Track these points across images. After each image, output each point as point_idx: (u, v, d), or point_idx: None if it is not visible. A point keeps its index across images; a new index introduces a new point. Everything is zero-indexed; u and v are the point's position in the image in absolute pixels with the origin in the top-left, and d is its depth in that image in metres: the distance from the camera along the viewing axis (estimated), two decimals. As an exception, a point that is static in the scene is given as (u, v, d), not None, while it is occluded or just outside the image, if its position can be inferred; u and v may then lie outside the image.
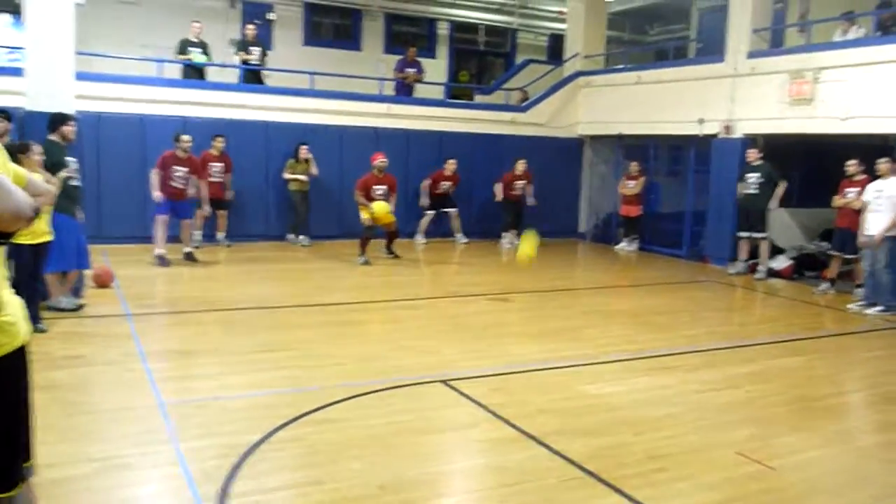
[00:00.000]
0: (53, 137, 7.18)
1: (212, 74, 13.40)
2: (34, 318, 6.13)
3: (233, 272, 10.46)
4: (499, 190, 13.66)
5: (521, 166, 13.58)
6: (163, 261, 10.13)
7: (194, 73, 12.98)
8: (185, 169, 10.48)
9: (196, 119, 12.13)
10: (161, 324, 7.19)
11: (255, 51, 13.34)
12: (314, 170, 12.52)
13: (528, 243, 8.25)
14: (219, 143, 11.78)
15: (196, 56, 12.87)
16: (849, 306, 9.28)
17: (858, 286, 9.66)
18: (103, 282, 8.32)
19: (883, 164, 9.07)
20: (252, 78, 13.36)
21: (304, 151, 12.46)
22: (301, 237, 12.62)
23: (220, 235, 12.13)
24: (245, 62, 13.18)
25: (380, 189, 11.52)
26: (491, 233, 13.99)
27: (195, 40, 12.95)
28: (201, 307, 7.91)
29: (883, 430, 5.24)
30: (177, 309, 7.80)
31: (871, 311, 9.00)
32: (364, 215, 11.32)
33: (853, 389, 6.37)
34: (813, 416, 5.39)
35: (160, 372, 5.61)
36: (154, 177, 10.30)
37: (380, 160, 11.54)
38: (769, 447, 4.66)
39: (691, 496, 3.93)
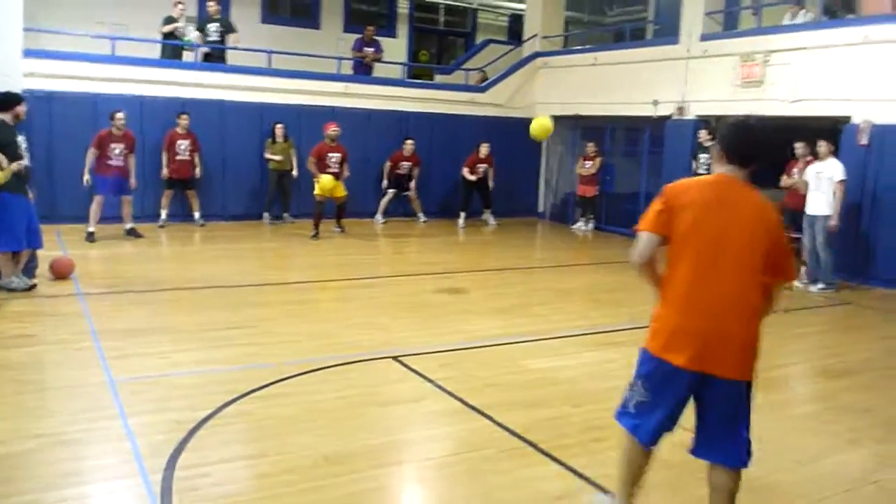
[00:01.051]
0: (4, 117, 7.09)
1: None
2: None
3: (189, 251, 10.46)
4: (467, 173, 13.76)
5: (484, 149, 13.69)
6: (90, 237, 10.29)
7: (171, 53, 12.90)
8: (122, 145, 10.48)
9: (152, 98, 12.02)
10: (114, 303, 7.19)
11: (213, 28, 13.18)
12: (293, 159, 12.66)
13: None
14: (184, 121, 11.75)
15: (187, 36, 12.83)
16: (794, 283, 9.56)
17: (803, 264, 9.97)
18: (61, 273, 8.01)
19: (822, 146, 9.37)
20: (212, 56, 13.22)
21: (279, 130, 12.50)
22: (265, 216, 12.64)
23: (196, 215, 12.09)
24: (204, 41, 13.05)
25: (333, 157, 11.92)
26: (450, 212, 14.10)
27: (176, 18, 12.86)
28: (155, 286, 7.92)
29: (811, 400, 5.49)
30: (130, 288, 7.79)
31: (813, 288, 9.32)
32: (316, 189, 11.60)
33: (788, 363, 6.60)
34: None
35: (111, 350, 5.63)
36: (90, 157, 10.33)
37: (332, 128, 11.93)
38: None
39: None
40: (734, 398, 3.14)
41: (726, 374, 3.06)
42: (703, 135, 11.48)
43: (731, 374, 3.07)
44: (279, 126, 12.53)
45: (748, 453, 3.22)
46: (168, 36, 12.74)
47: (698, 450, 3.24)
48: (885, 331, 7.66)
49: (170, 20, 12.82)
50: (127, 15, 14.46)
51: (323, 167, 11.85)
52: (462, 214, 13.81)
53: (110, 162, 10.35)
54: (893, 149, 9.48)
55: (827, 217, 9.18)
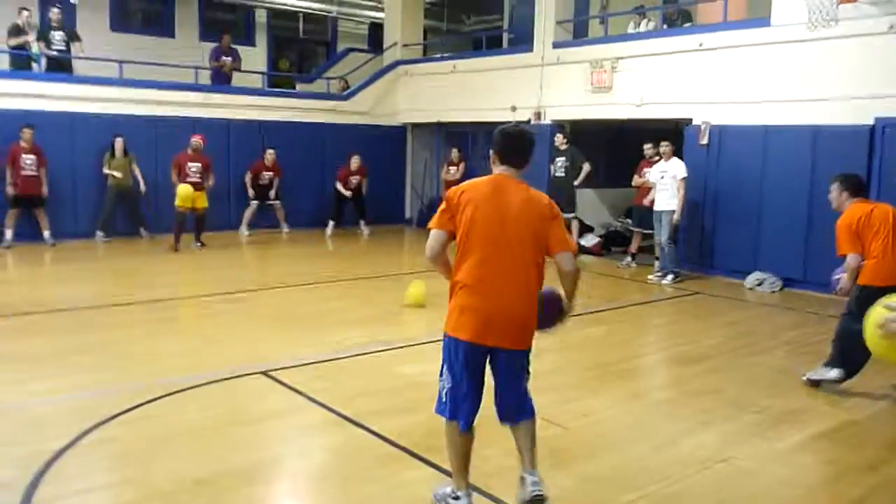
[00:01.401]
0: None
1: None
2: None
3: (39, 273, 9.87)
4: (341, 188, 13.66)
5: (355, 163, 13.65)
6: None
7: (19, 63, 12.16)
8: None
9: (-10, 111, 11.25)
10: (-46, 333, 6.69)
11: (59, 36, 12.49)
12: (136, 173, 12.12)
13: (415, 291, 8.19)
14: (27, 134, 11.08)
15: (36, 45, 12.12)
16: (648, 277, 10.13)
17: (657, 258, 10.59)
18: None
19: (664, 146, 10.01)
20: (58, 66, 12.51)
21: (119, 143, 11.93)
22: (99, 234, 12.02)
23: (46, 234, 11.43)
24: (49, 46, 12.34)
25: (194, 166, 11.83)
26: (317, 222, 13.98)
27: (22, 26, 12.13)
28: (3, 311, 7.41)
29: (668, 387, 5.85)
30: (-27, 316, 7.26)
31: (665, 280, 9.92)
32: (176, 199, 11.49)
33: (646, 353, 7.01)
34: (609, 379, 5.91)
35: (-47, 383, 5.25)
36: None
37: (195, 139, 11.88)
38: (569, 411, 5.08)
39: (495, 460, 4.22)
40: (517, 365, 3.55)
41: (510, 346, 3.45)
42: (558, 139, 11.94)
43: (515, 345, 3.47)
44: (119, 140, 11.97)
45: (531, 407, 3.65)
46: (15, 47, 11.98)
47: (502, 419, 3.63)
48: (731, 316, 8.24)
49: (17, 31, 12.05)
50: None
51: (183, 177, 11.71)
52: (330, 223, 13.73)
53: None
54: (730, 147, 10.23)
55: (671, 212, 9.82)
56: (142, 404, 4.92)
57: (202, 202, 11.82)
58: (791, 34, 9.38)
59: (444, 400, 3.54)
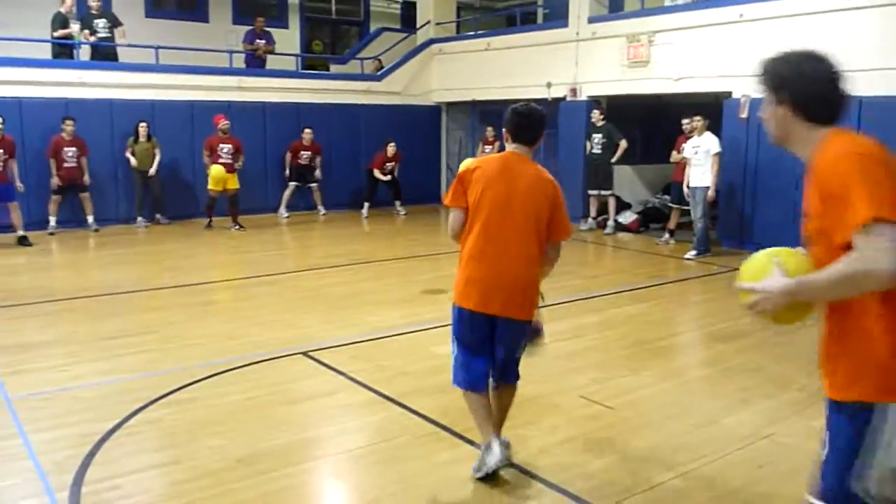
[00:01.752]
0: None
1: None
2: None
3: (82, 258, 10.07)
4: (379, 174, 13.70)
5: (391, 149, 13.66)
6: None
7: (68, 52, 12.33)
8: None
9: (32, 100, 11.45)
10: (4, 317, 6.85)
11: (101, 23, 12.64)
12: (156, 159, 12.15)
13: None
14: (69, 126, 11.26)
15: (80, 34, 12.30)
16: (684, 256, 10.01)
17: (695, 236, 10.47)
18: None
19: (697, 121, 9.85)
20: (99, 54, 12.66)
21: (143, 129, 12.01)
22: (139, 219, 12.19)
23: (90, 219, 11.65)
24: (94, 33, 12.50)
25: (225, 147, 12.06)
26: (353, 203, 14.06)
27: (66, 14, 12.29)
28: (46, 297, 7.59)
29: (707, 364, 5.79)
30: (20, 301, 7.44)
31: (687, 255, 9.86)
32: (209, 182, 11.85)
33: (685, 330, 6.95)
34: (648, 357, 5.87)
35: (5, 367, 5.40)
36: None
37: (222, 122, 12.07)
38: (608, 389, 5.07)
39: (535, 440, 4.24)
40: (517, 334, 3.69)
41: (512, 315, 3.60)
42: (595, 115, 11.81)
43: (517, 314, 3.61)
44: (143, 125, 12.03)
45: (515, 375, 3.85)
46: (60, 37, 12.17)
47: (494, 380, 3.79)
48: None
49: (62, 20, 12.20)
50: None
51: (215, 158, 11.96)
52: (366, 205, 13.78)
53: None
54: (771, 121, 10.01)
55: (706, 189, 9.69)
56: (185, 386, 5.02)
57: (234, 183, 12.03)
58: (834, 3, 9.13)
59: (458, 370, 3.74)
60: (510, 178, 3.58)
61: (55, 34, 12.20)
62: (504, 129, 3.74)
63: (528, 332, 3.75)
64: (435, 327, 6.47)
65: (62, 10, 12.31)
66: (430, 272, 9.21)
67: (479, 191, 3.56)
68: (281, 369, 5.46)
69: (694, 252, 9.92)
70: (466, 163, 3.85)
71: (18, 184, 10.38)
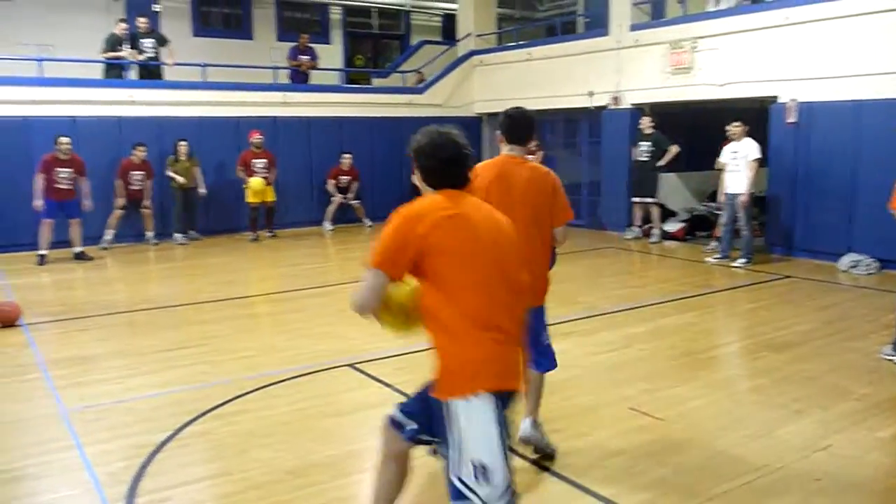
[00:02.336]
0: None
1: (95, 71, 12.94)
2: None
3: (132, 273, 10.26)
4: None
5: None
6: (42, 260, 10.39)
7: (117, 72, 12.70)
8: (69, 170, 10.56)
9: (85, 119, 11.77)
10: (59, 331, 7.03)
11: (148, 43, 12.95)
12: (199, 176, 12.31)
13: None
14: (140, 153, 11.66)
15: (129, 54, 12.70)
16: (733, 264, 9.84)
17: (716, 239, 10.37)
18: (8, 319, 7.21)
19: (736, 127, 9.71)
20: (147, 73, 12.98)
21: (183, 147, 12.16)
22: (178, 235, 12.30)
23: (149, 234, 12.01)
24: (141, 52, 12.80)
25: (259, 162, 12.56)
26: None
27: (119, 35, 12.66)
28: (101, 311, 7.77)
29: (758, 375, 5.65)
30: (75, 314, 7.62)
31: (735, 263, 9.71)
32: (247, 195, 12.42)
33: (735, 340, 6.82)
34: (698, 367, 5.78)
35: (61, 379, 5.53)
36: (38, 182, 10.38)
37: (255, 136, 12.52)
38: (658, 400, 4.99)
39: (586, 452, 4.19)
40: (533, 318, 3.79)
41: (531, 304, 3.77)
42: (644, 122, 11.70)
43: (533, 303, 3.83)
44: (182, 143, 12.17)
45: (553, 360, 4.16)
46: (111, 57, 12.52)
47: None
48: (824, 300, 7.93)
49: (114, 40, 12.54)
50: (50, 35, 14.12)
51: (250, 172, 12.47)
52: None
53: (58, 186, 10.47)
54: (819, 126, 9.83)
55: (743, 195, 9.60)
56: (235, 398, 5.08)
57: (271, 195, 12.66)
58: (882, 3, 8.93)
59: None
60: (509, 177, 3.87)
61: (108, 54, 12.51)
62: (499, 133, 4.04)
63: None
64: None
65: (116, 31, 12.63)
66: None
67: (483, 190, 3.63)
68: (328, 381, 5.49)
69: (743, 259, 9.76)
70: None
71: (87, 202, 10.75)
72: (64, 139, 10.52)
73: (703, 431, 4.50)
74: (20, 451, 4.31)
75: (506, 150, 3.99)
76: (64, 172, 10.48)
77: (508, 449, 2.61)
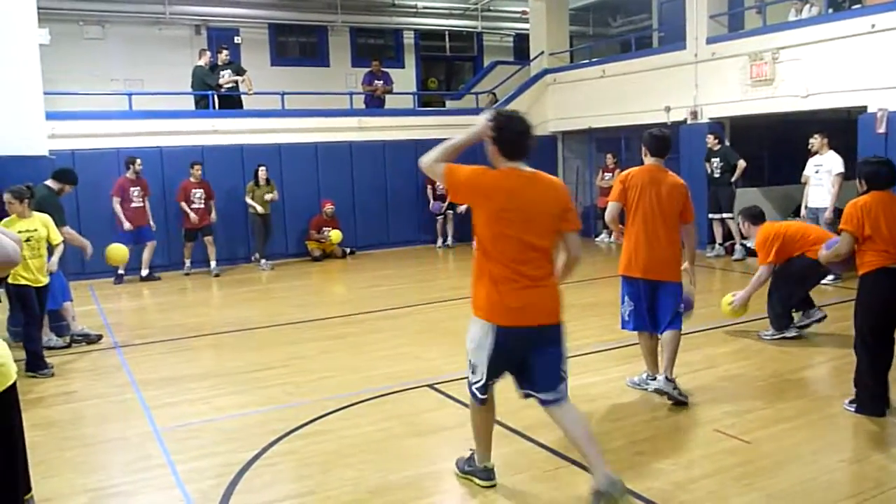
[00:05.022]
0: (54, 186, 7.58)
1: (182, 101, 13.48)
2: (40, 361, 6.35)
3: (215, 296, 10.59)
4: None
5: None
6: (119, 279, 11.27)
7: (203, 101, 13.26)
8: (138, 188, 11.30)
9: (172, 148, 12.25)
10: (150, 353, 7.30)
11: (227, 74, 13.44)
12: (274, 195, 12.45)
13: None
14: (196, 171, 11.84)
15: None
16: (822, 281, 9.47)
17: None
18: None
19: (816, 139, 9.39)
20: (226, 102, 13.45)
21: (262, 173, 12.34)
22: (263, 261, 12.41)
23: (213, 264, 11.97)
24: (220, 86, 13.30)
25: (326, 229, 13.10)
26: (469, 236, 14.17)
27: (205, 65, 13.27)
28: (189, 333, 8.04)
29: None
30: (165, 337, 7.91)
31: (824, 281, 9.32)
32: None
33: (825, 360, 6.55)
34: (787, 388, 5.59)
35: (152, 400, 5.74)
36: (116, 205, 11.09)
37: (328, 206, 13.11)
38: (745, 422, 4.85)
39: (670, 475, 4.10)
40: (671, 291, 5.21)
41: (666, 279, 5.19)
42: (710, 140, 11.56)
43: (669, 278, 5.20)
44: (262, 168, 12.31)
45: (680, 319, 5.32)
46: (204, 85, 13.08)
47: (668, 326, 5.27)
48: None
49: (200, 73, 13.11)
50: (138, 71, 14.82)
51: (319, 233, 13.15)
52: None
53: (132, 205, 11.18)
54: (912, 135, 9.43)
55: (826, 210, 9.26)
56: (318, 417, 5.17)
57: (337, 238, 13.16)
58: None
59: (627, 319, 5.39)
60: (655, 184, 5.14)
61: (208, 84, 13.07)
62: (643, 148, 5.27)
63: (684, 302, 5.29)
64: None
65: (201, 63, 13.15)
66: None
67: (635, 193, 5.15)
68: (408, 402, 5.53)
69: (831, 276, 9.39)
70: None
71: (152, 223, 11.39)
72: (137, 160, 11.35)
73: (793, 455, 4.34)
74: (116, 468, 4.49)
75: (650, 161, 5.25)
76: (135, 191, 11.25)
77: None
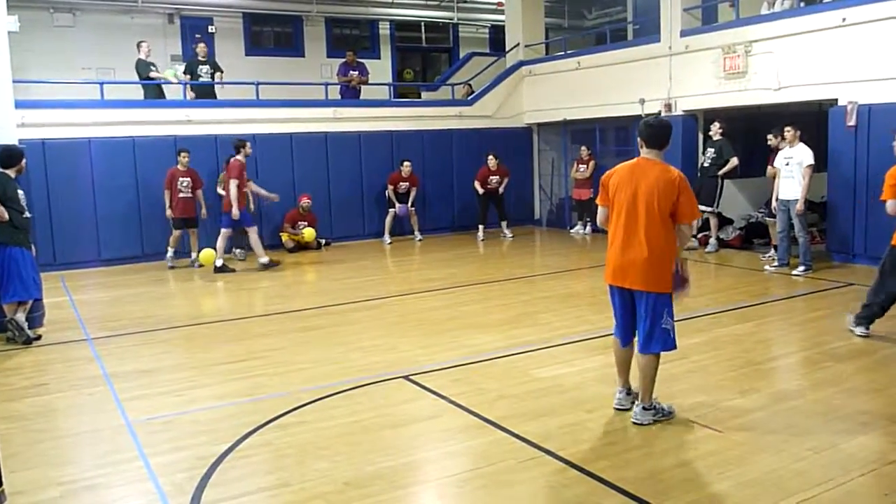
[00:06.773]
0: (9, 172, 7.20)
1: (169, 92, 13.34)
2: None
3: (189, 288, 10.49)
4: (478, 185, 13.88)
5: (492, 162, 13.85)
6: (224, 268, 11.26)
7: (155, 92, 13.05)
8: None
9: (144, 138, 12.10)
10: (123, 345, 7.22)
11: (205, 69, 13.34)
12: (256, 189, 12.20)
13: None
14: (184, 158, 11.57)
15: (168, 73, 13.17)
16: (792, 273, 9.62)
17: (774, 248, 10.13)
18: None
19: (788, 132, 9.49)
20: (203, 95, 13.32)
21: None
22: (236, 251, 12.29)
23: (193, 255, 11.77)
24: (198, 76, 13.23)
25: (302, 224, 13.07)
26: (446, 227, 14.20)
27: (146, 59, 13.00)
28: (161, 325, 7.97)
29: (823, 385, 5.49)
30: (137, 329, 7.82)
31: (795, 271, 9.51)
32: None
33: (795, 350, 6.65)
34: (758, 378, 5.66)
35: (125, 392, 5.68)
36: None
37: (304, 200, 13.03)
38: (718, 412, 4.90)
39: (642, 464, 4.14)
40: (646, 303, 4.64)
41: (637, 287, 4.64)
42: (713, 128, 11.43)
43: (640, 286, 4.62)
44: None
45: (671, 341, 4.76)
46: (147, 77, 12.86)
47: (639, 346, 4.75)
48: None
49: (143, 66, 12.91)
50: (110, 59, 14.62)
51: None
52: (480, 228, 13.97)
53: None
54: (880, 128, 9.54)
55: (797, 202, 9.38)
56: (292, 409, 5.15)
57: (310, 236, 13.11)
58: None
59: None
60: (639, 178, 4.61)
61: (150, 76, 12.90)
62: (638, 139, 4.73)
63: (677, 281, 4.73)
64: (535, 349, 6.43)
65: (141, 56, 12.94)
66: (525, 294, 9.17)
67: (613, 191, 4.73)
68: (383, 393, 5.53)
69: (802, 268, 9.54)
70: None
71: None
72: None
73: (765, 444, 4.40)
74: (88, 462, 4.45)
75: (644, 153, 4.70)
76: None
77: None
